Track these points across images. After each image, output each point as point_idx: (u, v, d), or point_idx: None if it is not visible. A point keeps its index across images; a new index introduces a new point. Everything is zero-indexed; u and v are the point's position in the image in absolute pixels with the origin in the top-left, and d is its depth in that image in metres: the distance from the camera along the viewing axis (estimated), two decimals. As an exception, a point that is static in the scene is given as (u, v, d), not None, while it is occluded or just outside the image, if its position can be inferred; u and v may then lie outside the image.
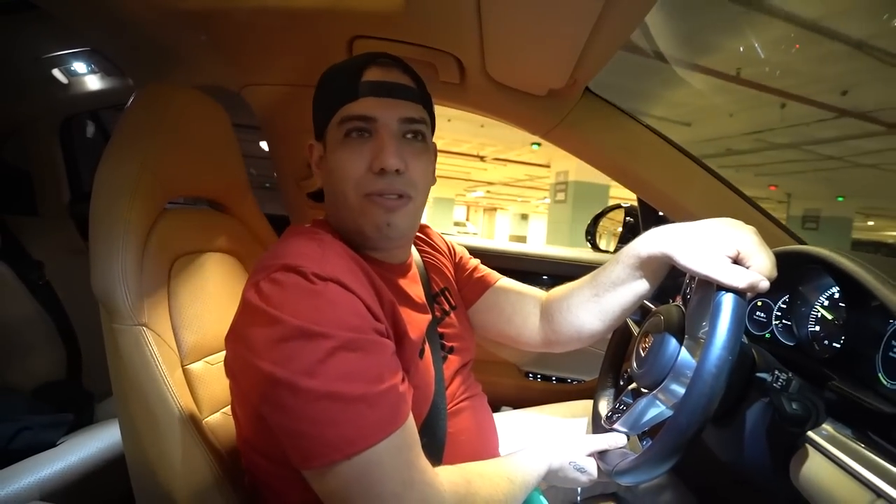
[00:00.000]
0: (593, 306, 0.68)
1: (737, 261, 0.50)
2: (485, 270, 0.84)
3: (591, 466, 0.65)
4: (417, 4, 0.68)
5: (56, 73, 1.08)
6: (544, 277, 1.27)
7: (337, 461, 0.44)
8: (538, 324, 0.77)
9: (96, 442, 0.95)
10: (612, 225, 1.25)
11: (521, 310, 0.79)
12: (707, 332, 0.47)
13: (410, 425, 0.50)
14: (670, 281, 0.69)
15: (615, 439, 0.64)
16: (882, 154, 7.21)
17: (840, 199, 10.69)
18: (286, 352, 0.46)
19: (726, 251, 0.50)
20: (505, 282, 0.83)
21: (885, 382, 0.54)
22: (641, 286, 0.63)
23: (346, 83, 0.58)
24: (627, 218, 1.15)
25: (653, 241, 0.59)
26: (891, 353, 0.54)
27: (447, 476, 0.52)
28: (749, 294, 0.49)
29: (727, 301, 0.47)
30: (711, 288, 0.51)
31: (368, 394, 0.46)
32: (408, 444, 0.49)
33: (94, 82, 1.11)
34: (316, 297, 0.48)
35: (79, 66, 1.08)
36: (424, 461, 0.50)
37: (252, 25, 0.83)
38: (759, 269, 0.49)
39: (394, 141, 0.57)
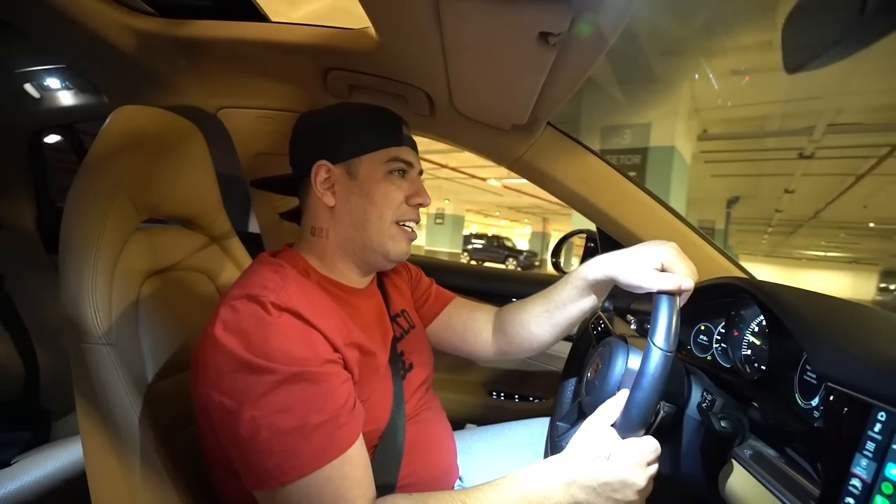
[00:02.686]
0: (544, 321, 0.77)
1: (664, 271, 0.59)
2: (440, 290, 0.92)
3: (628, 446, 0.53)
4: (388, 43, 0.73)
5: (28, 87, 1.08)
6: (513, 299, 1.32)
7: (274, 487, 0.49)
8: (491, 337, 0.86)
9: (53, 461, 0.93)
10: (575, 249, 1.31)
11: (475, 325, 0.87)
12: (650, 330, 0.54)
13: (351, 456, 0.52)
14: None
15: (620, 397, 0.57)
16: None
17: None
18: (234, 383, 0.50)
19: (653, 264, 0.59)
20: (459, 300, 0.91)
21: (800, 402, 0.60)
22: (588, 303, 0.72)
23: (392, 130, 0.69)
24: (589, 243, 1.22)
25: (598, 267, 0.67)
26: (805, 376, 0.60)
27: None
28: (679, 296, 0.57)
29: (662, 300, 0.55)
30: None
31: (305, 426, 0.49)
32: (342, 475, 0.51)
33: (67, 98, 1.11)
34: (268, 328, 0.52)
35: (52, 82, 1.08)
36: (360, 492, 0.52)
37: (231, 53, 0.86)
38: (681, 273, 0.58)
39: (421, 183, 0.72)
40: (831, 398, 0.47)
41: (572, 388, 0.86)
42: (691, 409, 0.63)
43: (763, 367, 0.69)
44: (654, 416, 0.58)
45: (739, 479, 0.56)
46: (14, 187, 1.29)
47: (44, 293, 0.64)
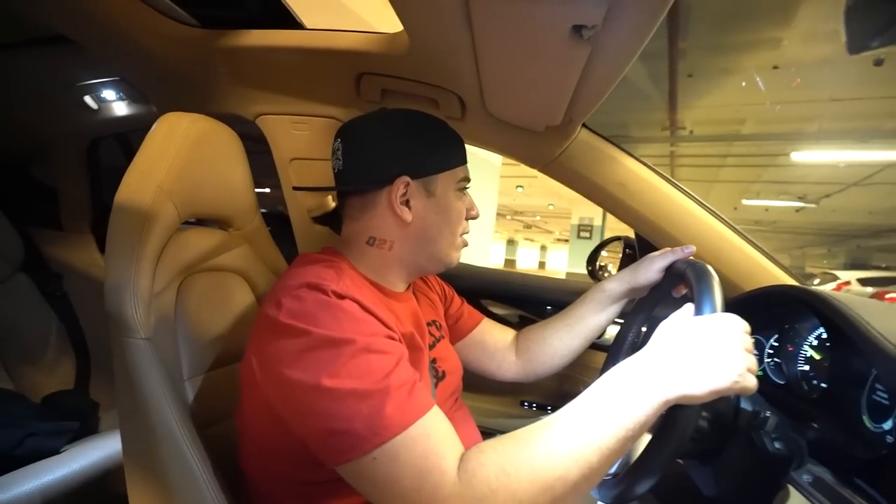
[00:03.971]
0: (564, 334, 0.85)
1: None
2: (470, 310, 0.95)
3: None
4: (419, 47, 0.73)
5: (87, 99, 1.16)
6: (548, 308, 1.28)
7: (362, 455, 0.48)
8: (514, 358, 0.91)
9: (98, 451, 0.97)
10: (612, 256, 1.26)
11: (502, 347, 0.92)
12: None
13: (435, 413, 0.52)
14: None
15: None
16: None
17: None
18: (312, 360, 0.51)
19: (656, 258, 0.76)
20: (487, 322, 0.95)
21: (868, 425, 0.54)
22: (607, 316, 0.83)
23: (461, 148, 0.73)
24: (627, 250, 1.16)
25: (617, 280, 0.80)
26: (874, 396, 0.54)
27: (477, 456, 0.49)
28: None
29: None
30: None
31: (387, 388, 0.49)
32: (427, 433, 0.49)
33: (121, 108, 1.18)
34: (335, 310, 0.54)
35: (108, 94, 1.16)
36: (449, 446, 0.50)
37: (267, 61, 0.89)
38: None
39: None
40: (907, 421, 0.42)
41: None
42: (741, 426, 0.58)
43: (824, 385, 0.63)
44: None
45: (797, 508, 0.51)
46: (74, 194, 1.39)
47: (96, 292, 0.68)
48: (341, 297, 0.55)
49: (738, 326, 0.49)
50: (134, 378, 0.64)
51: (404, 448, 0.48)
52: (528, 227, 20.81)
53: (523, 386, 1.27)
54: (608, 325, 0.85)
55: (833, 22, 3.01)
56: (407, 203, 0.67)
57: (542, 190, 11.43)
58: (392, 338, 0.56)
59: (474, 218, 0.75)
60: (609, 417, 0.47)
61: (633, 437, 0.47)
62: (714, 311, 0.51)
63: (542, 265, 28.98)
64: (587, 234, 9.98)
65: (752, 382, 0.46)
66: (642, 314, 0.80)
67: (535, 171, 0.98)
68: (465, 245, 0.74)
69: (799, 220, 10.65)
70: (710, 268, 0.58)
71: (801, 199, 8.37)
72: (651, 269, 0.77)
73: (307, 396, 0.50)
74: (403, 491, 0.48)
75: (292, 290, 0.55)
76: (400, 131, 0.68)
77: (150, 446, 0.65)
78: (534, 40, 0.55)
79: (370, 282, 0.68)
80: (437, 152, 0.69)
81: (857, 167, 6.35)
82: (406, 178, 0.66)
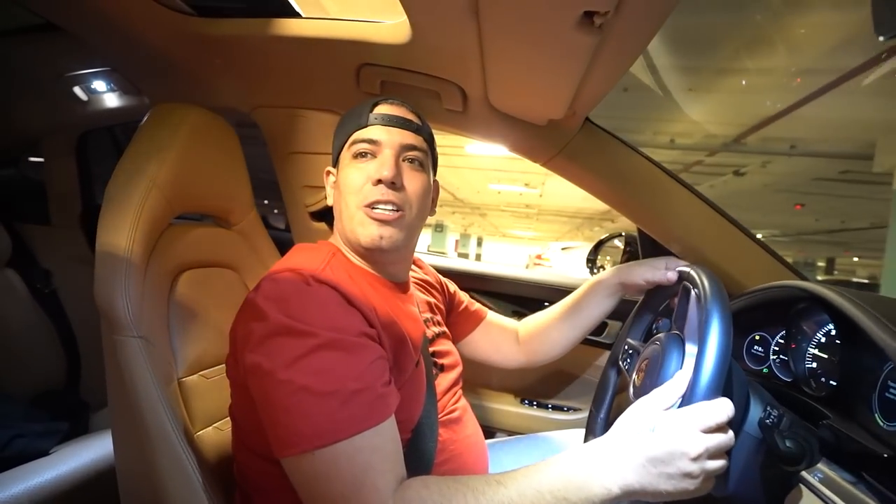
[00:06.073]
0: (563, 324, 0.88)
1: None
2: (476, 305, 0.96)
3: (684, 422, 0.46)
4: (422, 37, 0.71)
5: (77, 90, 1.13)
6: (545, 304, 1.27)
7: (304, 452, 0.47)
8: (517, 349, 0.94)
9: (88, 452, 0.95)
10: (613, 253, 1.25)
11: (506, 339, 0.94)
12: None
13: (385, 429, 0.51)
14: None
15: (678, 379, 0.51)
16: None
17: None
18: (272, 345, 0.50)
19: (661, 262, 0.76)
20: (492, 316, 0.96)
21: (881, 423, 0.53)
22: (602, 308, 0.85)
23: (359, 114, 0.68)
24: (627, 247, 1.15)
25: (610, 273, 0.81)
26: (887, 394, 0.53)
27: (420, 489, 0.48)
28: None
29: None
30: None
31: (342, 391, 0.48)
32: (373, 447, 0.49)
33: (112, 100, 1.15)
34: (307, 297, 0.53)
35: (98, 85, 1.12)
36: (390, 466, 0.49)
37: (265, 51, 0.86)
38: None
39: (392, 158, 0.65)
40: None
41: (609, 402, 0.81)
42: (750, 424, 0.56)
43: (833, 383, 0.62)
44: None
45: (810, 508, 0.50)
46: (63, 187, 1.35)
47: (86, 288, 0.65)
48: (321, 282, 0.54)
49: (702, 438, 0.44)
50: (126, 377, 0.62)
51: (345, 456, 0.47)
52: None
53: (522, 384, 1.26)
54: (605, 317, 0.87)
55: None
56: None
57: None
58: (367, 334, 0.54)
59: (385, 181, 0.62)
60: (556, 496, 0.46)
61: None
62: (696, 396, 0.47)
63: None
64: (440, 230, 14.99)
65: (706, 490, 0.46)
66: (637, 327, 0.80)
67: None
68: (381, 217, 0.63)
69: (540, 203, 11.85)
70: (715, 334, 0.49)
71: (526, 185, 9.34)
72: (640, 275, 0.77)
73: (263, 382, 0.50)
74: (334, 497, 0.47)
75: (275, 273, 0.56)
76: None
77: (143, 447, 0.63)
78: (542, 27, 0.53)
79: (362, 269, 0.68)
80: (338, 132, 0.70)
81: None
82: (330, 169, 0.72)
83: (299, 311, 0.51)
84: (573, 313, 0.86)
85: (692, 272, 0.60)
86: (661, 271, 0.74)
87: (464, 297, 0.95)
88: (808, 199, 7.44)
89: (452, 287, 0.94)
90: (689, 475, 0.44)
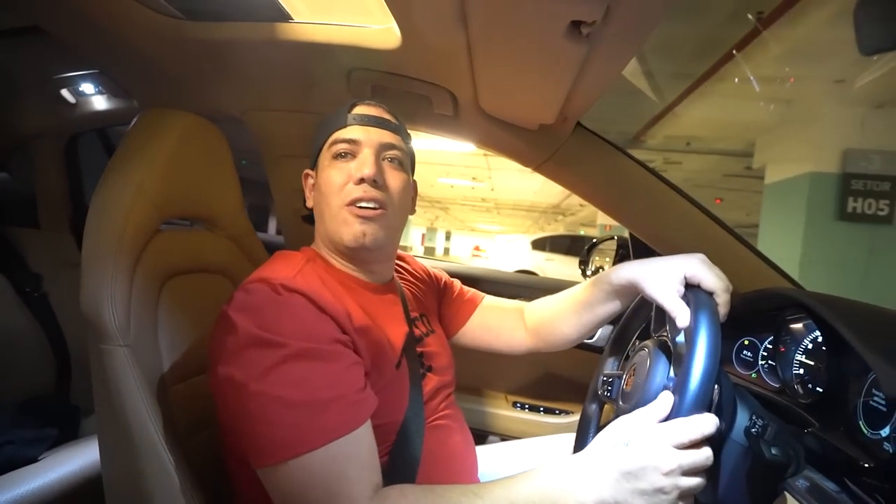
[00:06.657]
0: (573, 321, 0.79)
1: (689, 283, 0.59)
2: (470, 291, 0.92)
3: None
4: (411, 42, 0.71)
5: (64, 93, 1.12)
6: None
7: (278, 462, 0.48)
8: (523, 334, 0.87)
9: (78, 459, 0.94)
10: (605, 255, 1.26)
11: (508, 324, 0.88)
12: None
13: (359, 437, 0.51)
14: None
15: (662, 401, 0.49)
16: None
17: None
18: (244, 357, 0.50)
19: (677, 277, 0.59)
20: (489, 300, 0.92)
21: (865, 431, 0.53)
22: (614, 307, 0.75)
23: (337, 115, 0.68)
24: (620, 250, 1.16)
25: (623, 273, 0.67)
26: (872, 402, 0.53)
27: (397, 499, 0.49)
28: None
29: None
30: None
31: (314, 401, 0.49)
32: (347, 455, 0.49)
33: (100, 103, 1.14)
34: (278, 306, 0.53)
35: (87, 88, 1.11)
36: (365, 474, 0.50)
37: (255, 55, 0.86)
38: (710, 284, 0.58)
39: (373, 156, 0.65)
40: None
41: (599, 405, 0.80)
42: (736, 432, 0.57)
43: (819, 389, 0.62)
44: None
45: (795, 516, 0.50)
46: (52, 192, 1.34)
47: (77, 292, 0.65)
48: (291, 291, 0.54)
49: (675, 453, 0.44)
50: (112, 387, 0.62)
51: (319, 465, 0.48)
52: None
53: (514, 387, 1.26)
54: (616, 314, 0.78)
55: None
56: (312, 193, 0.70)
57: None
58: (340, 341, 0.54)
59: (367, 179, 0.63)
60: None
61: None
62: (681, 410, 0.47)
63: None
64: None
65: None
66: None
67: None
68: (364, 214, 0.63)
69: (496, 197, 12.23)
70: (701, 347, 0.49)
71: (474, 178, 9.55)
72: (654, 295, 0.61)
73: (237, 393, 0.50)
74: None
75: (247, 284, 0.56)
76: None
77: (129, 458, 0.62)
78: (531, 35, 0.53)
79: (341, 273, 0.67)
80: (316, 134, 0.71)
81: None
82: (309, 171, 0.72)
83: (270, 322, 0.51)
84: (583, 310, 0.77)
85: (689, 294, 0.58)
86: (679, 305, 0.57)
87: (456, 284, 0.92)
88: (725, 193, 7.73)
89: (443, 276, 0.92)
90: (661, 490, 0.44)
